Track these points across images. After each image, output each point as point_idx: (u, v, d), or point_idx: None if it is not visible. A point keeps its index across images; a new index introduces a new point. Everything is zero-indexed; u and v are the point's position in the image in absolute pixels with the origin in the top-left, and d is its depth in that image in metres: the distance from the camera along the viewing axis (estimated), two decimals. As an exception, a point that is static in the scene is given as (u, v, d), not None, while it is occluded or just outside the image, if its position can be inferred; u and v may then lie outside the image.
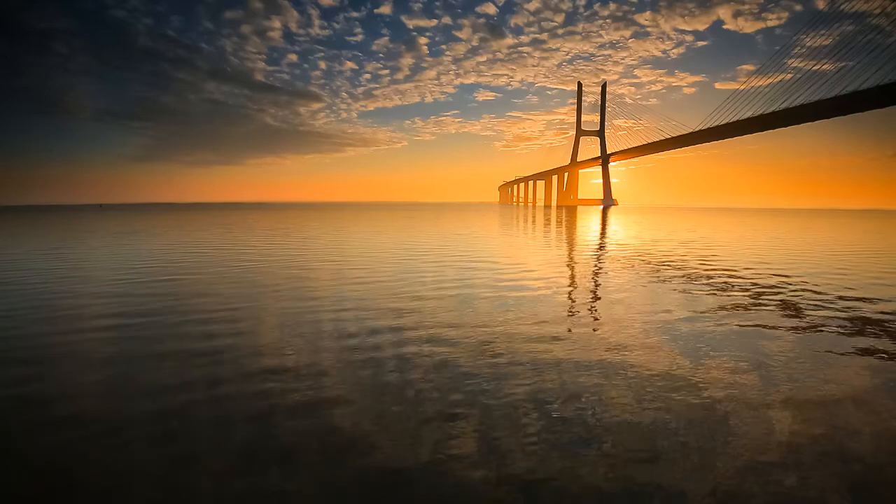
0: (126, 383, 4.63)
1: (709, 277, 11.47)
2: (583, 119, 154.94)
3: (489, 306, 7.98)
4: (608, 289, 10.00)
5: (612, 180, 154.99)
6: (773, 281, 11.02)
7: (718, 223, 44.95)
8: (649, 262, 14.33)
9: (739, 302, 8.62)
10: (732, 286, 10.29)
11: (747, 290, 9.88)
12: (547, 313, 7.51)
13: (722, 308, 8.05)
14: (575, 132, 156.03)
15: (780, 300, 8.81)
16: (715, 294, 9.35)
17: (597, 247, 19.40)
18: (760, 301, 8.73)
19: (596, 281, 11.07)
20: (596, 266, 13.55)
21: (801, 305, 8.35)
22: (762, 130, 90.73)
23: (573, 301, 8.67)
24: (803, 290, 9.88)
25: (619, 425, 3.74)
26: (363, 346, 5.81)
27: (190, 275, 11.64)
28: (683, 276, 11.55)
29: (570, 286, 10.23)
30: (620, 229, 33.04)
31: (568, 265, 13.69)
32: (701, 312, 7.70)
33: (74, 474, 3.09)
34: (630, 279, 11.12)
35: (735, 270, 12.72)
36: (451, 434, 3.60)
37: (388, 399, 4.24)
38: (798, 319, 7.30)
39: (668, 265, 13.74)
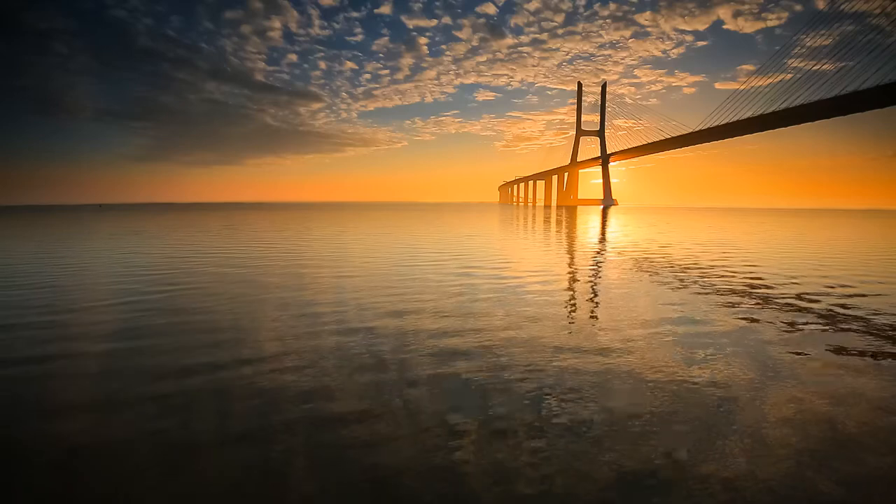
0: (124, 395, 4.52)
1: (770, 299, 8.92)
2: (583, 119, 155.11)
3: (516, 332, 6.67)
4: (663, 312, 7.68)
5: (612, 180, 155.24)
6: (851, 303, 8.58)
7: (727, 224, 44.16)
8: (690, 275, 11.84)
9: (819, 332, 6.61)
10: (803, 308, 8.10)
11: (820, 313, 7.79)
12: (589, 345, 5.88)
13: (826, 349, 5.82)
14: (575, 132, 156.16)
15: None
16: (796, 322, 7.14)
17: (615, 252, 17.60)
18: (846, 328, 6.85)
19: (637, 297, 8.97)
20: (626, 278, 11.42)
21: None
22: (762, 130, 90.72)
23: (622, 326, 6.79)
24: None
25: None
26: (369, 358, 5.68)
27: (192, 279, 11.54)
28: (744, 297, 9.04)
29: (606, 305, 8.35)
30: (631, 231, 31.23)
31: (592, 275, 11.80)
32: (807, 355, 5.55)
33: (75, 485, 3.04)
34: (682, 297, 8.94)
35: (792, 286, 10.38)
36: (454, 434, 3.54)
37: (394, 411, 4.13)
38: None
39: (717, 280, 11.12)
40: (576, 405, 4.14)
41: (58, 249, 18.10)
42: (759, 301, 8.70)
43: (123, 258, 15.28)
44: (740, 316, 7.48)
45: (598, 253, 17.27)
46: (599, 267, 13.35)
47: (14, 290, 9.67)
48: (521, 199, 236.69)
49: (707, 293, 9.39)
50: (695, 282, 10.84)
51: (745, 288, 10.09)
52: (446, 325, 6.80)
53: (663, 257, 15.89)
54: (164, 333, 6.41)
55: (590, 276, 11.67)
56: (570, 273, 12.17)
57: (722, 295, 9.22)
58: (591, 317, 7.43)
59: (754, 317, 7.43)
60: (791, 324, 7.02)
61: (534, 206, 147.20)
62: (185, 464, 3.25)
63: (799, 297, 9.13)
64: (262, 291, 9.47)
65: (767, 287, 10.21)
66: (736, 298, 8.89)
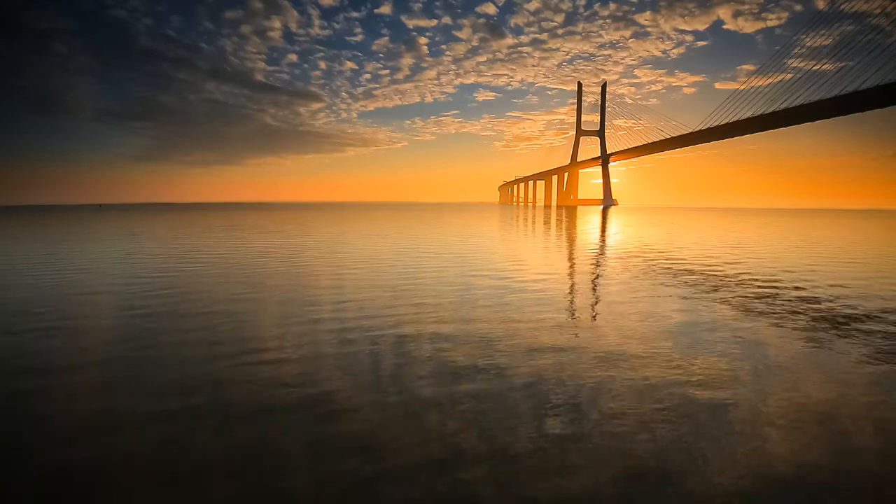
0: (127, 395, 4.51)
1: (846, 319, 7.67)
2: (583, 119, 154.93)
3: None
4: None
5: (612, 180, 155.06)
6: None
7: (733, 224, 43.57)
8: (721, 285, 10.51)
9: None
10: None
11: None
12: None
13: None
14: (575, 132, 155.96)
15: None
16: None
17: (632, 257, 16.34)
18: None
19: (677, 313, 7.96)
20: (654, 287, 10.29)
21: None
22: (762, 130, 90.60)
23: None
24: None
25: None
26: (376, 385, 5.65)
27: (191, 287, 11.52)
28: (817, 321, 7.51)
29: (643, 327, 6.99)
30: (639, 233, 29.90)
31: (613, 288, 10.30)
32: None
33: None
34: (730, 317, 7.66)
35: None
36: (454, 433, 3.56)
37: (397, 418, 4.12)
38: None
39: (752, 290, 9.99)
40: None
41: (61, 251, 18.09)
42: (804, 313, 7.95)
43: (131, 259, 15.27)
44: (804, 337, 6.51)
45: (612, 258, 16.00)
46: (620, 277, 11.86)
47: (14, 294, 9.67)
48: (521, 200, 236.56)
49: (754, 310, 8.15)
50: (730, 291, 9.95)
51: (786, 299, 9.14)
52: (460, 358, 5.59)
53: (682, 263, 14.67)
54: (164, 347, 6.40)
55: (611, 289, 10.18)
56: (589, 286, 10.75)
57: (771, 314, 7.87)
58: (627, 341, 6.27)
59: (815, 334, 6.66)
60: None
61: (534, 207, 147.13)
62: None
63: (844, 309, 8.30)
64: (270, 303, 9.46)
65: (820, 302, 8.93)
66: (792, 318, 7.61)
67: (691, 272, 12.43)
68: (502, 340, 6.29)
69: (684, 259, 15.66)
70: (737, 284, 10.78)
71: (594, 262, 14.92)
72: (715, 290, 10.06)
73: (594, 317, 7.67)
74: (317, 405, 4.18)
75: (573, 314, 7.77)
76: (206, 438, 3.63)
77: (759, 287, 10.45)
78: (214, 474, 3.19)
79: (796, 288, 10.46)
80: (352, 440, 3.60)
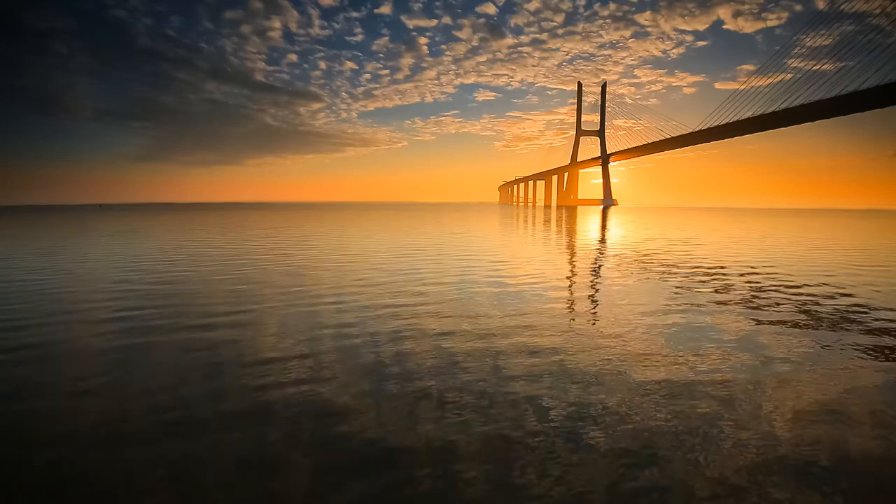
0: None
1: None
2: (583, 119, 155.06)
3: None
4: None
5: (612, 180, 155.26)
6: None
7: (739, 225, 41.94)
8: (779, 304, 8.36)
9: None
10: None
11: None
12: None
13: None
14: (575, 132, 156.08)
15: None
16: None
17: (649, 259, 15.21)
18: None
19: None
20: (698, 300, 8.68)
21: None
22: (762, 130, 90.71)
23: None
24: None
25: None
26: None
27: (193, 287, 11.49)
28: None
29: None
30: (648, 234, 28.24)
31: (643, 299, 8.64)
32: None
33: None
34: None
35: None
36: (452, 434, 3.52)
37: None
38: None
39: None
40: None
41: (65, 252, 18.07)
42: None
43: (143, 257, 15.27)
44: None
45: (628, 263, 14.14)
46: (647, 288, 9.92)
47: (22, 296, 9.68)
48: (521, 200, 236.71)
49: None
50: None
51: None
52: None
53: (709, 271, 12.35)
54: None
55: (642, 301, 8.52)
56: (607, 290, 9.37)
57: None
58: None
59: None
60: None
61: (534, 206, 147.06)
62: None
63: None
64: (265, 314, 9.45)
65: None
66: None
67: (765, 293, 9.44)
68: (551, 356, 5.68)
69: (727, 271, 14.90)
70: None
71: (598, 262, 14.91)
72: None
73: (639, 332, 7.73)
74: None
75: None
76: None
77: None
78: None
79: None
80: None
